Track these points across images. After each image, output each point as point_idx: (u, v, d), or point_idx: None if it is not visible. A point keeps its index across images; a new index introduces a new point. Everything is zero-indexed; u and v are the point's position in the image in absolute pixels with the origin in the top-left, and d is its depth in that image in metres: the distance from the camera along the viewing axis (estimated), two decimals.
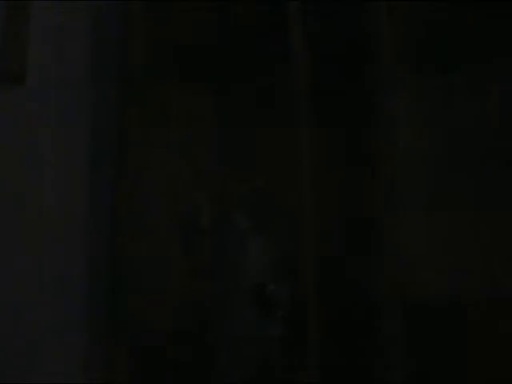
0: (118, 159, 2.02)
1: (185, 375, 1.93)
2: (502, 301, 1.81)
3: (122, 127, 2.03)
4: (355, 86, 1.98)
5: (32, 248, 1.94)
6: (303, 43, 1.98)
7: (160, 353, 1.94)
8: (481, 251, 1.85)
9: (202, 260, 1.97)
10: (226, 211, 1.98)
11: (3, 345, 1.87)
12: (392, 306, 1.85)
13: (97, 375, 1.95)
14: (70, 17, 2.08)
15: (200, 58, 2.06)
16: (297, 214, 1.91)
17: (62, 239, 1.97)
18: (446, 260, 1.87)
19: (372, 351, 1.86)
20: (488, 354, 1.80)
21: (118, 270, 1.97)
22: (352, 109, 1.99)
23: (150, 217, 1.98)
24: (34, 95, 2.01)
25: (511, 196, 1.85)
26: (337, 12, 2.01)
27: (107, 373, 1.94)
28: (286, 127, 1.96)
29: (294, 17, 1.98)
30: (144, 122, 2.02)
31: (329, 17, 2.01)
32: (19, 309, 1.90)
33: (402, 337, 1.83)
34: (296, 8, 1.99)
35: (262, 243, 1.96)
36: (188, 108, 2.05)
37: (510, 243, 1.83)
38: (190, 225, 1.99)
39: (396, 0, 1.95)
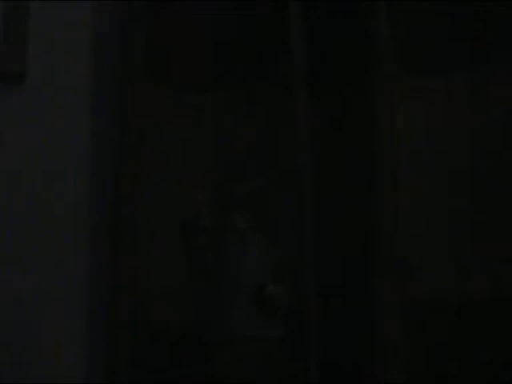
0: (119, 159, 2.02)
1: (185, 375, 1.93)
2: (502, 301, 1.81)
3: (123, 127, 2.03)
4: (355, 86, 1.99)
5: (32, 248, 1.95)
6: (303, 43, 1.98)
7: (160, 353, 1.94)
8: (481, 251, 1.85)
9: (202, 260, 1.97)
10: (226, 211, 1.98)
11: (4, 348, 1.87)
12: (392, 306, 1.85)
13: (97, 375, 1.95)
14: (69, 17, 2.08)
15: (199, 58, 2.06)
16: (297, 213, 1.92)
17: (62, 239, 1.98)
18: (446, 260, 1.87)
19: (372, 351, 1.86)
20: (488, 354, 1.80)
21: (118, 270, 1.97)
22: (352, 109, 1.99)
23: (150, 217, 1.98)
24: (34, 95, 2.01)
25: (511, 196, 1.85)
26: (337, 12, 2.01)
27: (107, 373, 1.94)
28: (285, 127, 1.97)
29: (294, 17, 1.98)
30: (144, 122, 2.02)
31: (329, 17, 2.01)
32: (18, 310, 1.91)
33: (402, 337, 1.83)
34: (296, 8, 1.99)
35: (261, 243, 1.96)
36: (188, 108, 2.05)
37: (510, 243, 1.84)
38: (190, 225, 1.99)
39: (396, 0, 1.95)
